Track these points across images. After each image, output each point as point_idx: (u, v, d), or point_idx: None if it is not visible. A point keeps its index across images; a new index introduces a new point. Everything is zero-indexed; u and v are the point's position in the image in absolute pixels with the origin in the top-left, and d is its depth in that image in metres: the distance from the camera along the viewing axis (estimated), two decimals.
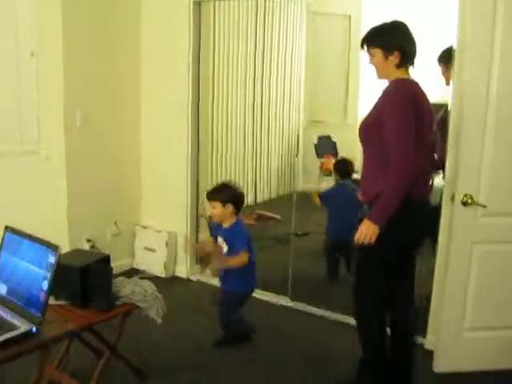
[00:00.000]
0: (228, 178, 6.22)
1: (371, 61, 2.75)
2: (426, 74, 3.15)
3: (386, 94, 2.69)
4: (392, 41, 2.67)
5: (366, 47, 2.76)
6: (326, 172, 5.67)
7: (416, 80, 2.73)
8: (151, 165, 4.76)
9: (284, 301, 4.24)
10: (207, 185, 4.08)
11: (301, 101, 5.85)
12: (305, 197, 4.83)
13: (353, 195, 3.40)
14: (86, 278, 2.61)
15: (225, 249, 3.42)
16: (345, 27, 6.25)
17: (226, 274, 3.48)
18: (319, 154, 5.86)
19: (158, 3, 4.48)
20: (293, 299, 4.21)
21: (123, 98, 4.56)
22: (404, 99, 2.57)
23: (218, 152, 6.17)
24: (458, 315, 3.12)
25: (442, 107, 3.61)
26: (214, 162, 5.98)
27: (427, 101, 2.71)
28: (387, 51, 2.66)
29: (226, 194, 3.42)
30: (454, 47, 3.14)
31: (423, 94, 2.71)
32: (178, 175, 4.61)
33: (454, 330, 3.14)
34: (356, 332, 2.94)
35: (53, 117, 4.08)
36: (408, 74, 2.72)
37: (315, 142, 6.16)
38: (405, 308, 2.91)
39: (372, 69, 2.78)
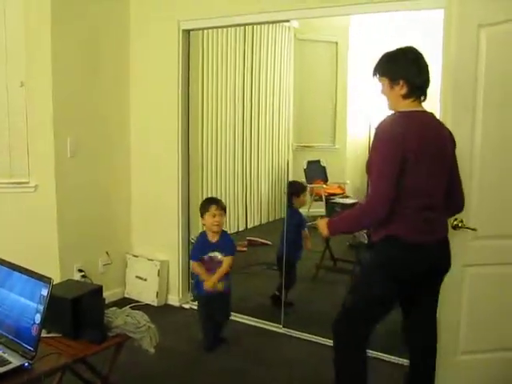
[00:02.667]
0: None
1: (382, 90, 2.61)
2: None
3: (379, 129, 2.51)
4: (397, 69, 2.52)
5: (376, 76, 2.62)
6: (316, 197, 5.70)
7: (428, 111, 2.58)
8: (141, 193, 4.76)
9: (276, 327, 4.21)
10: (198, 212, 4.09)
11: (290, 126, 5.89)
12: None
13: None
14: (78, 310, 2.59)
15: (220, 257, 3.82)
16: (332, 54, 6.31)
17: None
18: (309, 179, 5.88)
19: (147, 32, 4.53)
20: (285, 326, 4.18)
21: (113, 127, 4.59)
22: (391, 140, 2.42)
23: (208, 179, 6.18)
24: (452, 339, 3.11)
25: None
26: (204, 190, 5.99)
27: (439, 136, 2.55)
28: (392, 80, 2.52)
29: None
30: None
31: (433, 126, 2.56)
32: (168, 204, 4.61)
33: (449, 354, 3.13)
34: None
35: (43, 147, 4.08)
36: (418, 105, 2.55)
37: (304, 166, 6.19)
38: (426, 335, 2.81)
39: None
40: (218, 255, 3.83)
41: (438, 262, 2.63)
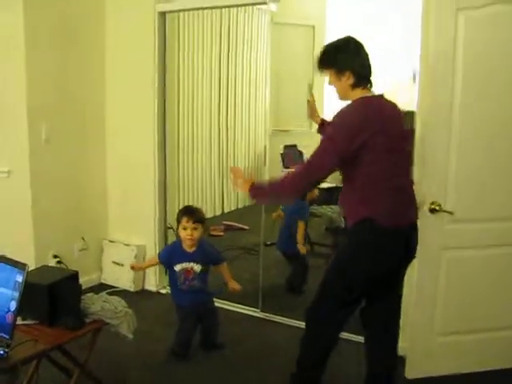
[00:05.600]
0: (196, 189, 6.24)
1: (329, 81, 2.62)
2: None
3: (337, 116, 2.55)
4: (342, 60, 2.55)
5: (321, 68, 2.64)
6: None
7: (380, 94, 2.62)
8: (118, 178, 4.70)
9: (254, 312, 4.21)
10: (175, 197, 4.04)
11: (266, 110, 5.86)
12: (272, 206, 4.83)
13: None
14: (54, 296, 2.56)
15: (198, 269, 3.42)
16: (309, 37, 6.30)
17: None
18: (286, 164, 5.87)
19: (123, 15, 4.45)
20: (263, 310, 4.19)
21: (88, 113, 4.51)
22: (347, 127, 2.47)
23: (184, 164, 6.15)
24: (428, 321, 3.16)
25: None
26: (180, 174, 5.95)
27: (396, 116, 2.61)
28: (339, 72, 2.55)
29: (203, 214, 3.52)
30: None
31: (390, 109, 2.60)
32: (145, 188, 4.56)
33: (425, 336, 3.17)
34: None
35: (16, 132, 4.00)
36: (369, 92, 2.58)
37: (281, 151, 6.17)
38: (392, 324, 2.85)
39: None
40: (194, 266, 3.41)
41: (409, 247, 2.65)
